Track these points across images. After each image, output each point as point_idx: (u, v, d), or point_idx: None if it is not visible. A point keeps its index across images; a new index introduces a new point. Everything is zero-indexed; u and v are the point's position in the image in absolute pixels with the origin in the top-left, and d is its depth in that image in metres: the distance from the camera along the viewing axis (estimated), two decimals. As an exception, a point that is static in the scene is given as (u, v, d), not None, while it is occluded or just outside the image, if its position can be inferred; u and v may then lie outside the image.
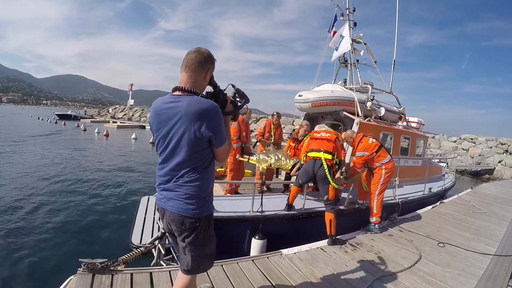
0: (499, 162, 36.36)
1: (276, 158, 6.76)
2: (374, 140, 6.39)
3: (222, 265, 4.08)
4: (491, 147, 39.42)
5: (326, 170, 5.45)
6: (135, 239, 6.52)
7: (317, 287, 3.88)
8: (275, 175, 8.16)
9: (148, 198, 9.11)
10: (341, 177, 6.15)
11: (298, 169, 6.30)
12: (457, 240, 6.35)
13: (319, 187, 5.69)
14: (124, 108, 75.45)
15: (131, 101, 78.56)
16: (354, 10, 9.88)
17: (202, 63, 2.45)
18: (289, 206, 5.90)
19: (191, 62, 2.44)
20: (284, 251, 4.81)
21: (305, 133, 7.22)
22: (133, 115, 67.35)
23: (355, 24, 9.88)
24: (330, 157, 5.63)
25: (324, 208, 5.64)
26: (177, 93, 2.47)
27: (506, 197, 13.04)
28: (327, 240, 5.40)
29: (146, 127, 52.23)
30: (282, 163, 6.75)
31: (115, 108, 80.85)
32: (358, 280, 4.18)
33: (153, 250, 5.48)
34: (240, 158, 7.18)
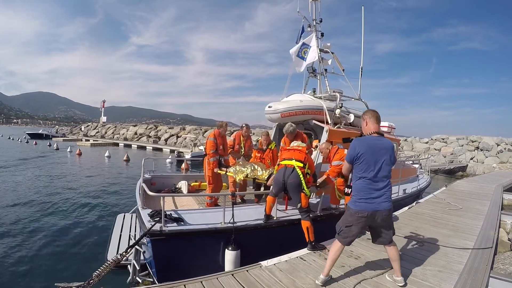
0: (471, 159, 37.47)
1: (252, 168, 6.83)
2: None
3: (201, 282, 4.03)
4: (462, 145, 40.53)
5: (301, 176, 5.48)
6: (110, 256, 6.47)
7: None
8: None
9: (124, 215, 9.05)
10: (315, 185, 6.33)
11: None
12: (435, 238, 6.48)
13: (292, 196, 5.67)
14: (97, 126, 74.29)
15: (103, 118, 77.44)
16: (321, 21, 10.09)
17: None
18: (267, 217, 5.92)
19: (379, 119, 4.10)
20: (264, 262, 4.79)
21: (266, 142, 7.45)
22: (106, 133, 66.23)
23: (322, 35, 10.07)
24: (301, 165, 5.62)
25: (297, 216, 5.73)
26: (376, 135, 3.97)
27: (480, 192, 13.41)
28: (306, 247, 5.43)
29: (119, 144, 51.54)
30: (258, 173, 6.81)
31: (88, 125, 79.54)
32: (340, 286, 4.20)
33: (128, 266, 5.54)
34: (218, 171, 7.19)
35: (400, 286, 4.15)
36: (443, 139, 43.85)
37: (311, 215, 5.64)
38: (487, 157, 37.22)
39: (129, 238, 7.41)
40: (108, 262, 4.57)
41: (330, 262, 4.10)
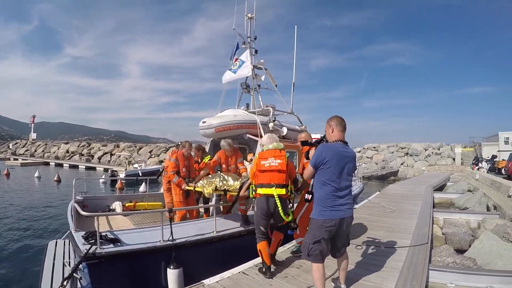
0: (402, 164, 39.76)
1: (221, 178, 6.50)
2: None
3: None
4: (392, 152, 42.94)
5: (280, 210, 4.73)
6: (44, 287, 6.03)
7: None
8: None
9: (56, 242, 8.41)
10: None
11: (248, 188, 5.57)
12: (373, 239, 6.66)
13: (278, 221, 5.07)
14: (26, 143, 69.93)
15: (33, 135, 72.66)
16: (255, 38, 10.22)
17: None
18: (269, 269, 4.94)
19: (345, 127, 3.95)
20: (206, 281, 4.62)
21: (188, 152, 7.17)
22: (36, 151, 62.66)
23: (256, 51, 10.21)
24: (284, 191, 4.89)
25: (237, 229, 5.97)
26: (341, 143, 3.87)
27: (411, 194, 14.09)
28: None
29: (50, 163, 48.96)
30: (229, 184, 6.43)
31: (16, 143, 74.85)
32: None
33: None
34: (187, 187, 6.83)
35: None
36: (374, 147, 46.36)
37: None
38: (416, 161, 39.81)
39: (63, 266, 6.90)
40: None
41: (321, 286, 3.76)
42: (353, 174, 4.19)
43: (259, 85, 10.11)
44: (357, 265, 5.19)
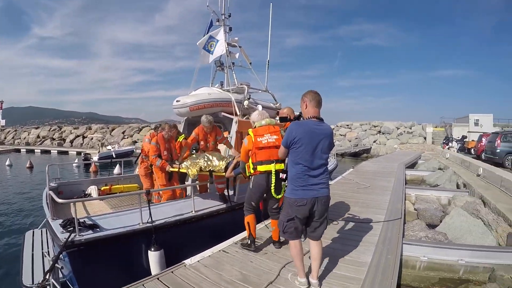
0: (374, 141, 40.48)
1: (206, 159, 6.35)
2: None
3: None
4: (365, 130, 43.64)
5: (272, 187, 4.74)
6: (26, 280, 5.80)
7: None
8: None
9: (33, 231, 8.16)
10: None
11: (234, 167, 5.67)
12: (349, 215, 6.84)
13: (271, 198, 5.02)
14: (-5, 131, 67.88)
15: (2, 122, 70.31)
16: (229, 16, 10.10)
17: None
18: (253, 241, 5.06)
19: (321, 102, 3.75)
20: (187, 261, 4.60)
21: (168, 134, 6.93)
22: (5, 138, 60.72)
23: (230, 29, 10.09)
24: (283, 166, 4.78)
25: (215, 208, 6.02)
26: (315, 120, 3.67)
27: (384, 171, 14.40)
28: (274, 246, 5.11)
29: (21, 150, 47.65)
30: (214, 164, 6.28)
31: (-16, 131, 72.54)
32: (266, 271, 4.22)
33: (48, 287, 4.85)
34: (171, 169, 6.66)
35: None
36: (347, 125, 46.98)
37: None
38: (388, 139, 40.60)
39: (43, 256, 6.70)
40: None
41: (299, 263, 3.76)
42: (330, 150, 3.81)
43: (233, 63, 10.05)
44: (334, 240, 5.33)
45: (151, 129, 49.61)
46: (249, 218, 4.99)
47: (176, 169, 6.59)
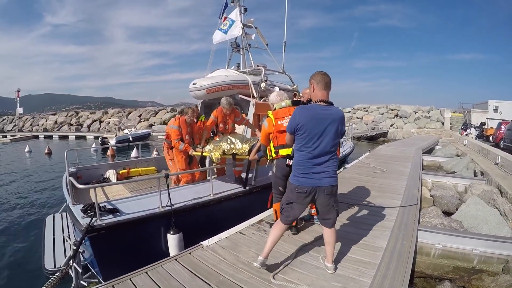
0: (391, 125, 40.05)
1: (229, 142, 6.32)
2: None
3: (146, 272, 3.87)
4: (382, 113, 43.10)
5: None
6: (48, 264, 6.02)
7: (245, 271, 3.86)
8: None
9: (53, 216, 8.42)
10: None
11: (258, 151, 5.55)
12: (364, 199, 6.82)
13: None
14: (13, 119, 68.59)
15: (20, 110, 71.21)
16: (244, -4, 9.97)
17: (331, 83, 3.58)
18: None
19: (329, 83, 3.55)
20: (205, 242, 4.68)
21: (191, 119, 6.96)
22: (24, 125, 61.51)
23: (245, 10, 9.94)
24: None
25: (233, 191, 6.00)
26: (322, 104, 3.48)
27: (401, 155, 14.27)
28: (290, 230, 5.00)
29: (39, 136, 48.28)
30: (238, 147, 6.26)
31: (3, 119, 73.42)
32: (282, 254, 4.26)
33: (70, 271, 4.95)
34: (194, 153, 6.69)
35: (330, 273, 3.76)
36: (364, 108, 46.46)
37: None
38: (405, 123, 40.11)
39: (64, 241, 6.91)
40: (55, 277, 4.25)
41: (270, 244, 3.72)
42: (340, 137, 3.63)
43: (249, 44, 10.02)
44: (349, 224, 5.35)
45: (168, 112, 50.09)
46: (276, 206, 4.75)
47: (199, 153, 6.60)
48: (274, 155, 4.69)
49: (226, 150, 6.20)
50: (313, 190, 3.48)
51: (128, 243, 4.99)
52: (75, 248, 4.63)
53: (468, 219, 6.79)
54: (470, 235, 5.59)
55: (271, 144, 4.68)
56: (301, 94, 5.88)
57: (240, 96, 8.50)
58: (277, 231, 3.72)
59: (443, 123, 38.93)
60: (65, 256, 6.07)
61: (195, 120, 7.30)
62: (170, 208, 5.25)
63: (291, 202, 3.62)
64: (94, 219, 4.59)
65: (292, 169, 3.67)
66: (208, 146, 6.44)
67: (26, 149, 29.59)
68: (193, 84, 8.06)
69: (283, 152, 4.56)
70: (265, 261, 3.73)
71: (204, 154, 6.49)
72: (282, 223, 3.70)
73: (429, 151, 19.03)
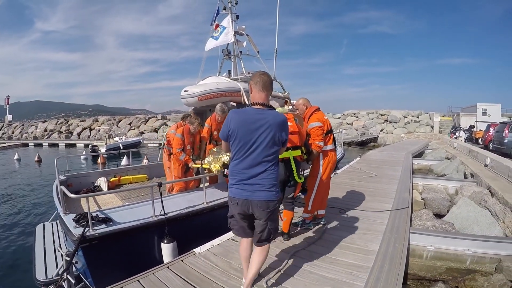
0: (381, 130, 40.34)
1: (228, 153, 6.26)
2: (328, 119, 5.49)
3: (138, 280, 3.84)
4: (372, 119, 43.45)
5: (294, 172, 4.56)
6: (39, 275, 5.83)
7: (238, 277, 3.86)
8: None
9: (44, 225, 8.22)
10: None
11: None
12: (356, 204, 6.87)
13: (288, 188, 4.85)
14: (2, 126, 67.88)
15: (9, 117, 70.40)
16: (236, 3, 10.00)
17: (272, 84, 3.25)
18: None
19: (268, 84, 3.19)
20: (197, 249, 4.68)
21: (195, 129, 6.88)
22: (13, 133, 60.81)
23: (237, 17, 9.98)
24: (299, 152, 4.72)
25: (226, 199, 5.67)
26: (258, 107, 3.11)
27: (391, 159, 14.39)
28: (283, 238, 5.03)
29: (29, 144, 47.73)
30: None
31: (-8, 127, 72.68)
32: (275, 260, 4.28)
33: (63, 283, 4.88)
34: (194, 165, 6.70)
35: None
36: (354, 114, 46.82)
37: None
38: (395, 128, 40.45)
39: (55, 251, 6.72)
40: None
41: (244, 263, 3.51)
42: (279, 145, 3.16)
43: (240, 52, 10.00)
44: (341, 228, 5.39)
45: (158, 119, 50.03)
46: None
47: (199, 165, 6.59)
48: None
49: (226, 161, 6.12)
50: (245, 203, 3.11)
51: (122, 253, 4.93)
52: (68, 259, 4.59)
53: (460, 221, 6.87)
54: (462, 236, 5.66)
55: None
56: (294, 106, 5.87)
57: (231, 103, 8.46)
58: (240, 247, 3.52)
59: (432, 127, 39.22)
60: (57, 266, 5.95)
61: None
62: (163, 216, 5.20)
63: (231, 214, 3.34)
64: (87, 229, 4.52)
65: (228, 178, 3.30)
66: (207, 158, 6.44)
67: (16, 157, 29.22)
68: (185, 91, 8.03)
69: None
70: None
71: (204, 166, 6.47)
72: (241, 238, 3.50)
73: (419, 155, 19.22)
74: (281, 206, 4.81)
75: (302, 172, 5.12)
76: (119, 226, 4.85)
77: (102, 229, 4.70)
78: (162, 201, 5.26)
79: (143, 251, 5.18)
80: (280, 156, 4.36)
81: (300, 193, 5.17)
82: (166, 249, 4.98)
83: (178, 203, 5.89)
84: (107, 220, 4.89)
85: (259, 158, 3.04)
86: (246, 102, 8.23)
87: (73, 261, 4.77)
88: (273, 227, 3.28)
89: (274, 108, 3.23)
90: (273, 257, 4.33)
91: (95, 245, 4.56)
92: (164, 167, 7.59)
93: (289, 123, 4.60)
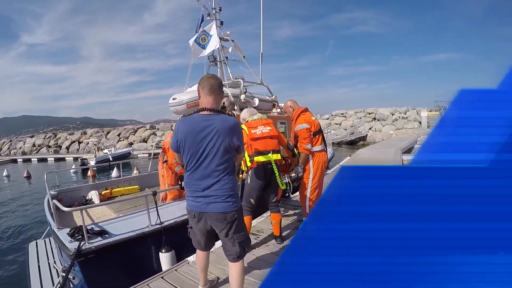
0: (370, 129, 40.66)
1: None
2: (316, 119, 5.44)
3: None
4: (360, 118, 43.80)
5: (276, 174, 4.64)
6: None
7: None
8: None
9: (36, 242, 8.14)
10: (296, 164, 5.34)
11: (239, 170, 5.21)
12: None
13: (271, 192, 4.91)
14: (-11, 143, 67.14)
15: None
16: (220, 10, 10.06)
17: (221, 87, 3.05)
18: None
19: (216, 87, 2.96)
20: (190, 258, 4.62)
21: None
22: (1, 149, 60.23)
23: (221, 23, 10.06)
24: (279, 156, 4.78)
25: None
26: (206, 112, 2.87)
27: (382, 157, 14.54)
28: (276, 242, 5.07)
29: (18, 160, 47.29)
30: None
31: (-21, 144, 71.76)
32: (268, 264, 4.25)
33: None
34: None
35: None
36: (342, 114, 47.19)
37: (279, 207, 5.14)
38: (384, 126, 40.79)
39: (50, 268, 6.63)
40: None
41: (200, 273, 3.54)
42: (231, 151, 2.91)
43: (226, 57, 10.01)
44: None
45: (147, 129, 49.88)
46: (246, 219, 4.51)
47: None
48: (249, 164, 4.67)
49: None
50: (201, 215, 2.96)
51: (119, 265, 4.88)
52: (64, 275, 4.50)
53: (451, 216, 6.93)
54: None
55: (245, 154, 4.59)
56: (282, 109, 5.90)
57: (230, 100, 8.46)
58: (197, 260, 3.51)
59: (420, 123, 39.58)
60: (53, 284, 5.86)
61: None
62: (160, 226, 5.16)
63: (190, 226, 3.23)
64: (82, 242, 4.45)
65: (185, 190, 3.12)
66: None
67: (4, 173, 28.86)
68: (173, 99, 8.02)
69: (258, 159, 4.60)
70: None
71: None
72: (198, 249, 3.43)
73: (409, 151, 19.37)
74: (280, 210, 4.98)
75: (285, 178, 5.16)
76: (116, 238, 4.79)
77: (98, 242, 4.63)
78: (157, 210, 5.22)
79: (141, 262, 5.13)
80: (260, 159, 4.54)
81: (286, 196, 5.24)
82: (165, 258, 4.95)
83: (173, 212, 5.84)
84: (102, 233, 4.83)
85: (211, 168, 2.82)
86: (235, 107, 8.25)
87: (70, 277, 4.69)
88: (242, 239, 3.07)
89: (224, 112, 3.00)
90: (266, 261, 4.32)
91: (91, 258, 4.50)
92: (158, 175, 7.56)
93: (267, 128, 4.69)
